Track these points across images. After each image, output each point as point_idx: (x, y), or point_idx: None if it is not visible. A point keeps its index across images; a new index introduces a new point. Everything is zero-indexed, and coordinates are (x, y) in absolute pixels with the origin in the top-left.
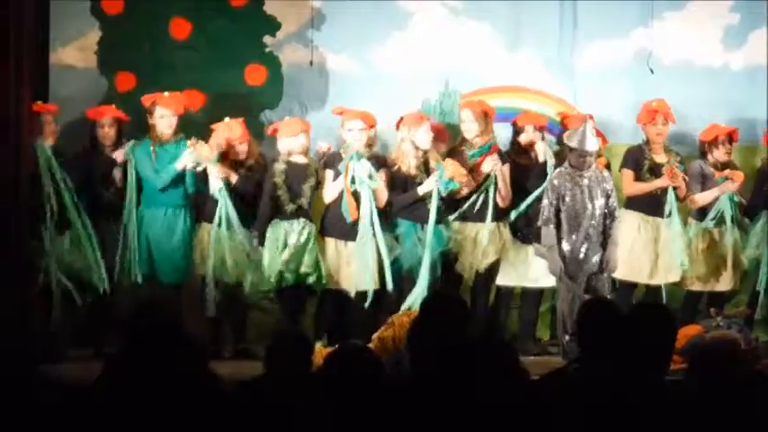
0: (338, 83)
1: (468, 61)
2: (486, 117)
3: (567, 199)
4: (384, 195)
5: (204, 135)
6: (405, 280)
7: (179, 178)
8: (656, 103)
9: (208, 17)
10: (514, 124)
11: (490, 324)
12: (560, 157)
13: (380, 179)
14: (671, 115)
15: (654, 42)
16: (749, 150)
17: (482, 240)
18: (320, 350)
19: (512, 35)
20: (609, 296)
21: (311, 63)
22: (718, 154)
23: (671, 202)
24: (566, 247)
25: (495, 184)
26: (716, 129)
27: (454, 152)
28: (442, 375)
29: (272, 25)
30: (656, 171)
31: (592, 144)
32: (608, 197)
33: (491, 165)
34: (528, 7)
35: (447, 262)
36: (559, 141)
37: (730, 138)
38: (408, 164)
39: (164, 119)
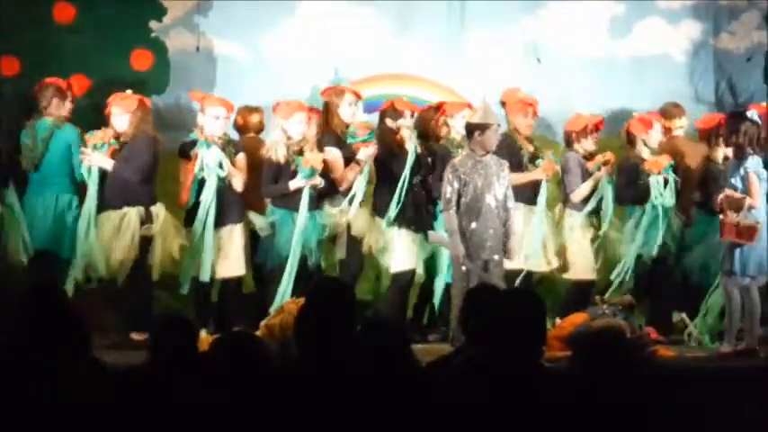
0: (226, 69)
1: (358, 48)
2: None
3: (470, 184)
4: (239, 181)
5: (90, 121)
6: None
7: (66, 164)
8: (524, 93)
9: (92, 1)
10: (392, 109)
11: (376, 311)
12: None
13: (239, 165)
14: (537, 109)
15: (541, 32)
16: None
17: (355, 226)
18: (206, 338)
19: (400, 22)
20: (501, 285)
21: (198, 49)
22: (587, 143)
23: (543, 193)
24: (466, 232)
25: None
26: (583, 118)
27: (330, 134)
28: (329, 361)
29: (158, 10)
30: (522, 161)
31: (494, 117)
32: (506, 187)
33: (366, 154)
34: None
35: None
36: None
37: (597, 127)
38: (278, 152)
39: (72, 103)
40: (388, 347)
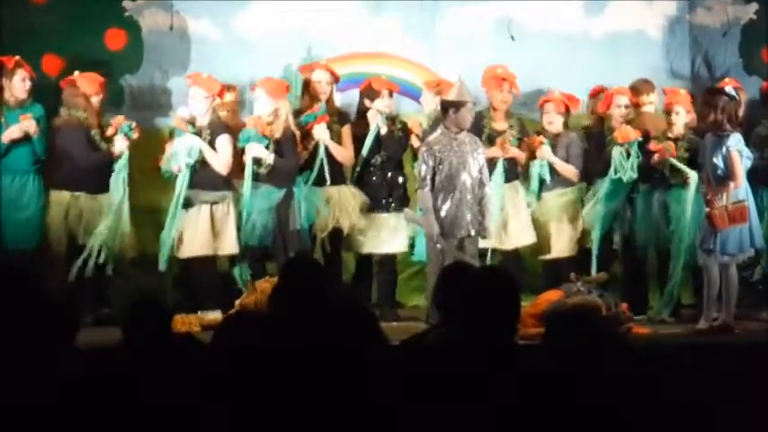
0: (200, 48)
1: (331, 27)
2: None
3: (444, 162)
4: (221, 162)
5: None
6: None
7: (27, 143)
8: (502, 69)
9: None
10: (369, 89)
11: (349, 290)
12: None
13: (224, 146)
14: (516, 84)
15: (514, 9)
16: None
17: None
18: (181, 319)
19: (374, 1)
20: (475, 262)
21: (171, 28)
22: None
23: (498, 171)
24: (441, 210)
25: (327, 151)
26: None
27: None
28: (301, 341)
29: None
30: (493, 139)
31: (469, 95)
32: (481, 165)
33: (319, 132)
34: None
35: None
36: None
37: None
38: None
39: (24, 82)
40: (353, 324)
